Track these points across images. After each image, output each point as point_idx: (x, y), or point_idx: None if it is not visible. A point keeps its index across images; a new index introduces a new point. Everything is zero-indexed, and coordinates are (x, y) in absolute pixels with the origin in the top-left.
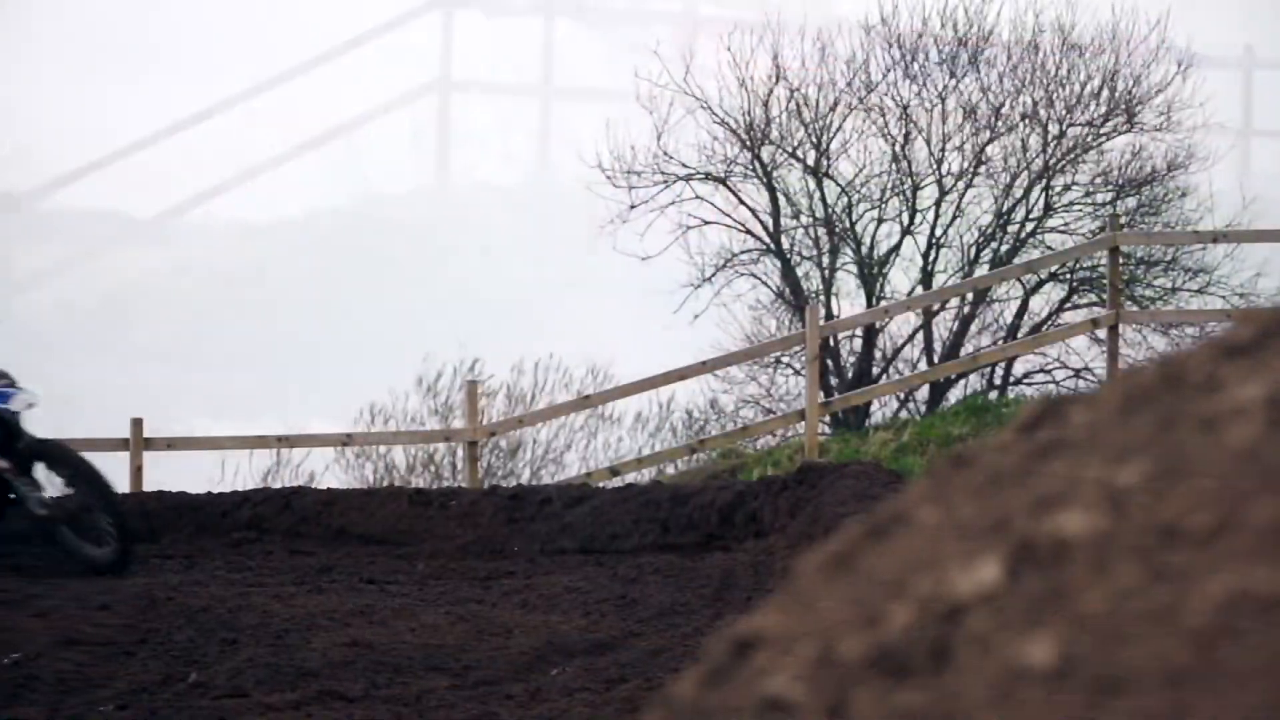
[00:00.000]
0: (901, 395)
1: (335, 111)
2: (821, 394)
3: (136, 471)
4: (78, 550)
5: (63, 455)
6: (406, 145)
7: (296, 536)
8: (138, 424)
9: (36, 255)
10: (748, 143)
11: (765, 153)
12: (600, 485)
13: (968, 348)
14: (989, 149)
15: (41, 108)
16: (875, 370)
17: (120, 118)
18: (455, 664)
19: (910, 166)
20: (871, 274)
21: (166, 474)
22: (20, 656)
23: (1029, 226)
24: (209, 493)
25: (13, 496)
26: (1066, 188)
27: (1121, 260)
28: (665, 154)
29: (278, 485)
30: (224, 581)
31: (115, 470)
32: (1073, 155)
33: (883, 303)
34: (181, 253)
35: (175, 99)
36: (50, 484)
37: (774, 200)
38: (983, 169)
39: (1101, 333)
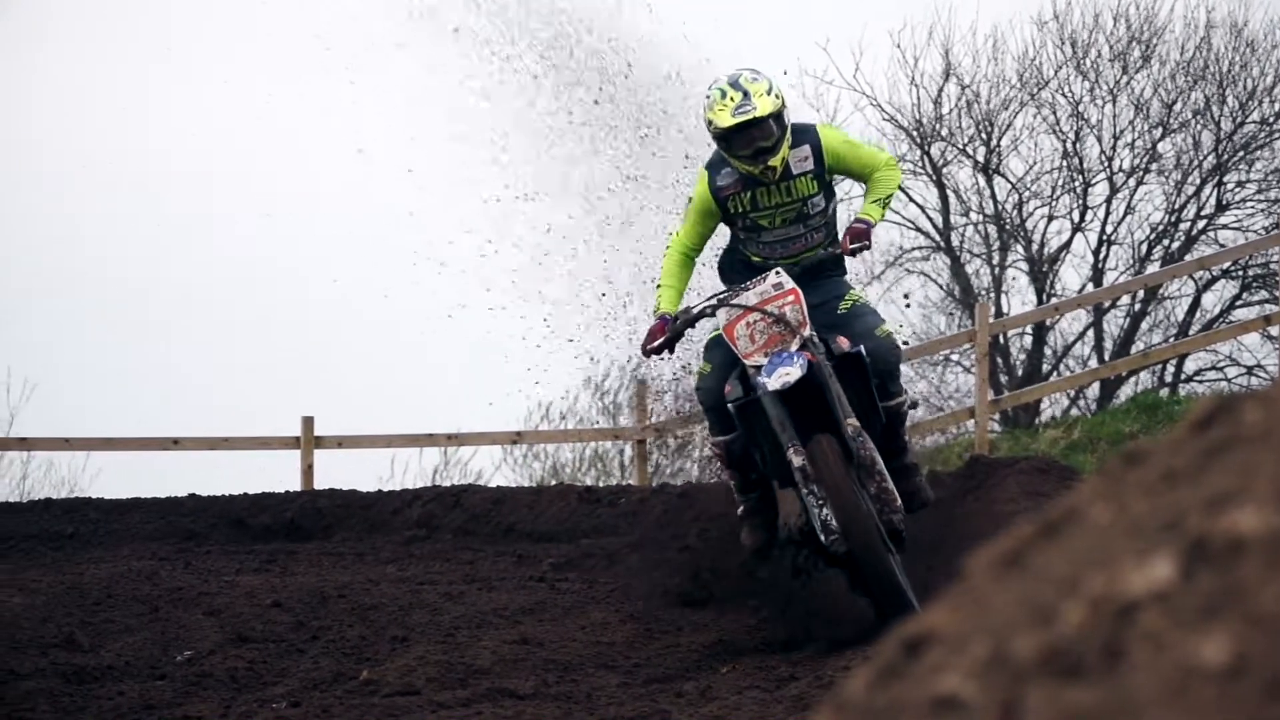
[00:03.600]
0: (1072, 393)
1: None
2: (991, 391)
3: (307, 470)
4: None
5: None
6: None
7: (466, 534)
8: (308, 422)
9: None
10: (917, 139)
11: (935, 149)
12: None
13: (1139, 345)
14: (1160, 145)
15: None
16: (1045, 367)
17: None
18: (625, 662)
19: (1081, 163)
20: (1042, 271)
21: (338, 471)
22: (193, 653)
23: (1200, 223)
24: (379, 490)
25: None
26: (1240, 184)
27: None
28: None
29: (447, 484)
30: (394, 579)
31: (286, 468)
32: (1245, 152)
33: (1053, 300)
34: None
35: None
36: None
37: (943, 197)
38: (1154, 166)
39: (1274, 329)
